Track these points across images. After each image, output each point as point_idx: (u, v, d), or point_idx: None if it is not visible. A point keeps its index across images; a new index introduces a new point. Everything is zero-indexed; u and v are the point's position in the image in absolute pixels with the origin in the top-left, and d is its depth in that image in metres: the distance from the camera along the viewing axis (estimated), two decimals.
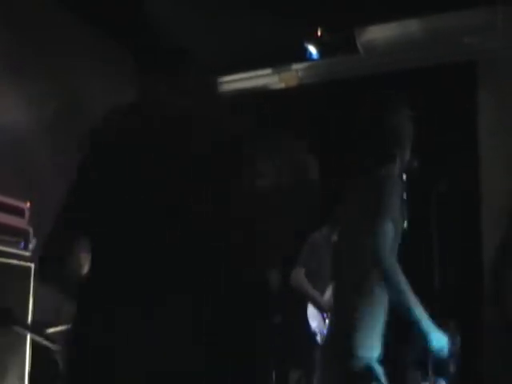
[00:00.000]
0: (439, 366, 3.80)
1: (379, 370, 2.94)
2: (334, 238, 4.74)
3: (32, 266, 4.31)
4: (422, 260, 4.46)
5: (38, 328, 4.08)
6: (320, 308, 5.19)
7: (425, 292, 4.21)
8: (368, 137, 3.45)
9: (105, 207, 1.90)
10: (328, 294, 5.16)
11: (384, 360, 3.00)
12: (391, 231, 2.99)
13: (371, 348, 2.98)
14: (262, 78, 7.01)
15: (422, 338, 2.87)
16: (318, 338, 5.13)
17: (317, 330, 5.16)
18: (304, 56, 6.69)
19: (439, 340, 2.88)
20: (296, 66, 6.90)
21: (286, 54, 6.73)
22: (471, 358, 5.17)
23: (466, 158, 5.83)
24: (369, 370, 2.95)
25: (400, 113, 3.38)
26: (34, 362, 3.95)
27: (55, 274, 2.01)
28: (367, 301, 3.03)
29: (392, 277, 2.92)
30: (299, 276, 5.25)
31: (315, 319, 5.21)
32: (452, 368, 4.42)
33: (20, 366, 3.94)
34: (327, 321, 5.12)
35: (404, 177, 3.34)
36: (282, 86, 6.98)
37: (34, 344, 4.00)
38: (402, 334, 3.26)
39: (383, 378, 2.91)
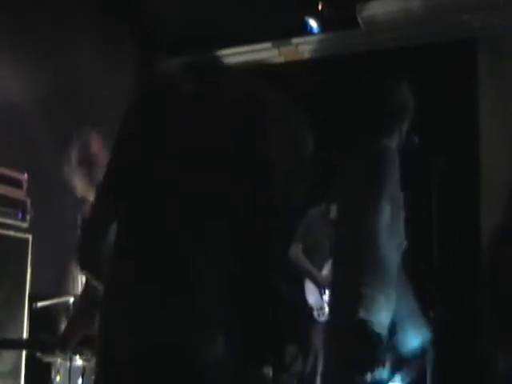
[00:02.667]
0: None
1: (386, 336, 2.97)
2: (333, 213, 4.78)
3: (30, 237, 4.32)
4: (421, 237, 4.45)
5: None
6: (318, 283, 5.21)
7: (422, 270, 4.25)
8: (367, 111, 3.46)
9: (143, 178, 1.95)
10: (326, 269, 5.17)
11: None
12: (388, 212, 3.01)
13: (378, 313, 2.99)
14: (262, 52, 6.95)
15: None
16: (315, 313, 5.16)
17: (314, 305, 5.18)
18: (304, 30, 6.65)
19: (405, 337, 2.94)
20: (296, 40, 6.85)
21: (287, 27, 6.68)
22: (468, 341, 5.20)
23: (466, 134, 5.83)
24: (376, 335, 2.97)
25: (399, 88, 3.38)
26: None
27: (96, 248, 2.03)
28: (371, 275, 3.04)
29: (385, 256, 2.95)
30: (297, 252, 5.26)
31: (313, 295, 5.23)
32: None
33: (18, 337, 3.96)
34: (325, 296, 5.14)
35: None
36: (282, 60, 6.93)
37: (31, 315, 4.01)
38: None
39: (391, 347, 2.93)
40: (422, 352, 3.45)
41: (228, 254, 1.87)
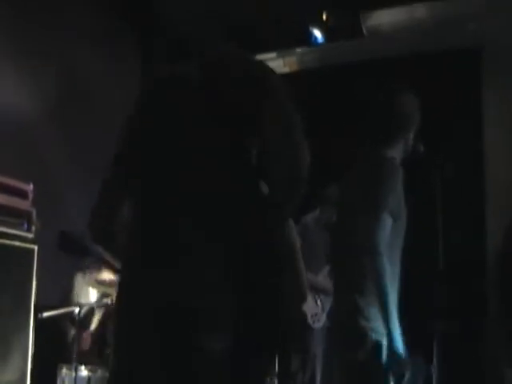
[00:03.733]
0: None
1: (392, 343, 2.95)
2: (332, 220, 4.80)
3: (35, 247, 4.31)
4: (426, 246, 4.44)
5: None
6: (313, 289, 5.17)
7: (427, 278, 4.24)
8: (371, 120, 3.45)
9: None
10: (321, 275, 5.16)
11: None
12: (388, 225, 3.00)
13: (377, 321, 2.98)
14: (267, 62, 6.95)
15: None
16: (310, 320, 5.11)
17: (308, 312, 5.12)
18: (309, 40, 6.66)
19: (398, 342, 2.90)
20: (301, 50, 6.86)
21: (291, 37, 6.70)
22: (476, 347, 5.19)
23: (471, 143, 5.82)
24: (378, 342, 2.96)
25: (404, 97, 3.37)
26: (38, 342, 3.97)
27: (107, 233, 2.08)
28: (369, 284, 3.03)
29: (378, 269, 2.94)
30: None
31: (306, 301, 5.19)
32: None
33: (23, 347, 3.96)
34: (319, 302, 5.13)
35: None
36: (287, 70, 6.94)
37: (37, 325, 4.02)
38: None
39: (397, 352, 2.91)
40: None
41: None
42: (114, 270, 4.75)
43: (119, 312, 2.03)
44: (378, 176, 3.12)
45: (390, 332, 2.92)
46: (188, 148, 1.98)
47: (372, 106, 3.51)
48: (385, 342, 2.95)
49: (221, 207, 1.94)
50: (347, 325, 3.07)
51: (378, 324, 2.99)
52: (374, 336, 2.97)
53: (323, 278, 5.15)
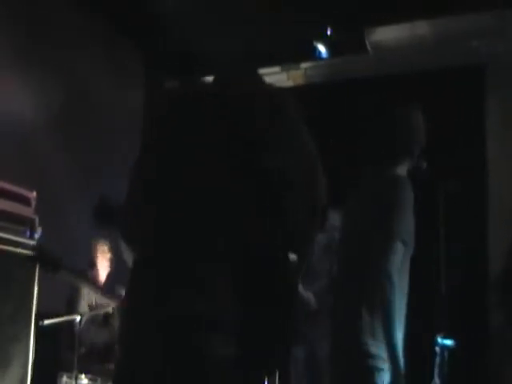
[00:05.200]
0: None
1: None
2: (338, 244, 4.79)
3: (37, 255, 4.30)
4: (428, 260, 4.44)
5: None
6: (305, 305, 5.18)
7: (430, 294, 4.23)
8: (377, 136, 3.44)
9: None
10: (311, 291, 5.19)
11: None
12: (401, 253, 2.98)
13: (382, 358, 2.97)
14: (271, 76, 6.98)
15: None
16: None
17: None
18: (313, 55, 6.68)
19: (399, 376, 2.88)
20: (305, 65, 6.89)
21: (295, 52, 6.73)
22: (477, 362, 5.17)
23: (474, 159, 5.83)
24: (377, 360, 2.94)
25: (409, 113, 3.37)
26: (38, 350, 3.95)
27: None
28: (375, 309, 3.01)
29: (388, 298, 2.91)
30: None
31: None
32: None
33: (23, 355, 3.93)
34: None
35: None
36: (291, 84, 6.97)
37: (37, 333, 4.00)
38: None
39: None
40: None
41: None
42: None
43: (125, 314, 2.03)
44: (393, 198, 3.07)
45: (393, 361, 2.90)
46: (201, 165, 1.99)
47: (375, 122, 3.51)
48: (386, 369, 2.94)
49: (230, 224, 1.94)
50: (348, 348, 3.05)
51: (380, 350, 2.97)
52: (374, 363, 2.96)
53: (311, 295, 5.21)
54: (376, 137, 3.46)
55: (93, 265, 5.22)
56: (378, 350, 2.95)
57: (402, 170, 3.24)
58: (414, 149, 3.30)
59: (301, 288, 5.20)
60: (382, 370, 2.94)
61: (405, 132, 3.29)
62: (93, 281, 5.07)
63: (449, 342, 4.10)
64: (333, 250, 5.33)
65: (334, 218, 5.00)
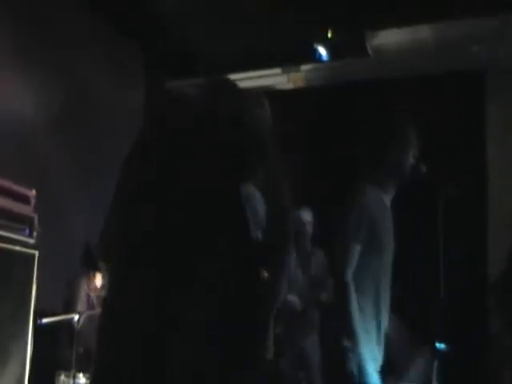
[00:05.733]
0: None
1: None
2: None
3: (36, 253, 4.30)
4: (428, 264, 4.45)
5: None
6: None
7: (428, 297, 4.23)
8: (369, 140, 3.45)
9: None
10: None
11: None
12: (357, 253, 3.04)
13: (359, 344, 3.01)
14: (271, 78, 7.00)
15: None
16: None
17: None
18: (313, 57, 6.68)
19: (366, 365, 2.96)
20: (305, 67, 6.90)
21: (296, 54, 6.73)
22: (475, 367, 5.17)
23: (473, 163, 5.84)
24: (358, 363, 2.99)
25: (401, 118, 3.38)
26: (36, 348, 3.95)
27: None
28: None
29: (344, 295, 2.98)
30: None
31: None
32: None
33: (22, 353, 3.93)
34: None
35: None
36: (291, 86, 6.97)
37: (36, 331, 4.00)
38: None
39: None
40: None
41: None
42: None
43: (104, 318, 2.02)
44: (348, 202, 3.18)
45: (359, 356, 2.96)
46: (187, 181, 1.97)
47: (372, 125, 3.52)
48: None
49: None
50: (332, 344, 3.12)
51: (360, 348, 3.02)
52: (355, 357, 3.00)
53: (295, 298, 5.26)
54: (368, 140, 3.48)
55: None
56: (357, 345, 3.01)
57: (382, 175, 3.26)
58: (404, 153, 3.31)
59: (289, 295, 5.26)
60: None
61: (389, 137, 3.31)
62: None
63: (447, 346, 4.10)
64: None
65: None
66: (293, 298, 5.27)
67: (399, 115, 3.39)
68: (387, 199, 3.31)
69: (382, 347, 3.13)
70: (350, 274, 3.03)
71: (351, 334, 2.98)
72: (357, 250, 3.06)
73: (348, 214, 3.14)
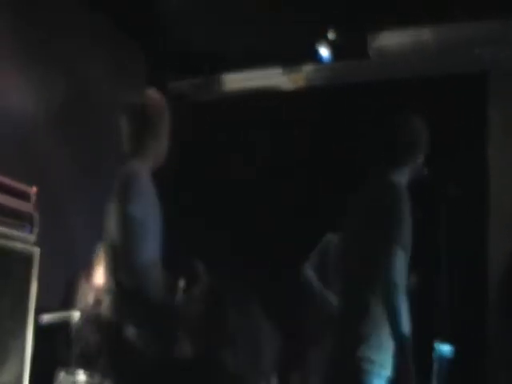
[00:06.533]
0: None
1: None
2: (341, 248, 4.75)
3: (36, 250, 4.30)
4: (429, 265, 4.44)
5: None
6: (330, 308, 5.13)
7: (429, 299, 4.23)
8: (379, 143, 3.44)
9: None
10: None
11: None
12: (402, 258, 2.99)
13: (380, 365, 2.97)
14: (272, 78, 6.99)
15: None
16: None
17: None
18: (315, 58, 6.68)
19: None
20: (306, 68, 6.89)
21: (297, 54, 6.73)
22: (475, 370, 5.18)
23: (475, 165, 5.84)
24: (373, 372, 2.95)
25: (410, 120, 3.37)
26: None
27: None
28: (375, 319, 3.02)
29: (396, 301, 2.92)
30: (310, 273, 5.18)
31: None
32: None
33: (22, 350, 3.93)
34: None
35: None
36: (292, 86, 6.97)
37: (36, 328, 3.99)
38: None
39: None
40: None
41: None
42: None
43: None
44: (392, 204, 3.08)
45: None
46: None
47: (376, 127, 3.51)
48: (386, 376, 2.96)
49: None
50: (347, 355, 3.06)
51: (378, 356, 2.98)
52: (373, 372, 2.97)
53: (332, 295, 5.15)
54: (377, 144, 3.46)
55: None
56: (371, 353, 2.95)
57: (403, 176, 3.24)
58: (417, 157, 3.30)
59: (322, 288, 5.15)
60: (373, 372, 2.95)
61: (406, 139, 3.29)
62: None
63: (447, 348, 4.10)
64: None
65: None
66: (331, 295, 5.13)
67: (415, 118, 3.38)
68: None
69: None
70: (400, 278, 2.98)
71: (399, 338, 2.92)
72: (401, 253, 3.01)
73: (389, 218, 3.06)
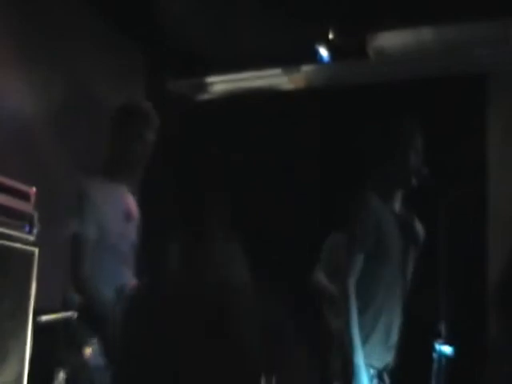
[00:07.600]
0: None
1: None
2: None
3: (36, 250, 4.29)
4: (428, 271, 4.44)
5: None
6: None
7: (428, 300, 4.22)
8: (371, 143, 3.45)
9: None
10: None
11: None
12: (360, 262, 3.04)
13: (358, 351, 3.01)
14: (271, 78, 7.00)
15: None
16: None
17: None
18: (314, 58, 6.69)
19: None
20: (306, 68, 6.90)
21: (297, 55, 6.73)
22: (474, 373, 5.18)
23: (474, 167, 5.85)
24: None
25: (404, 122, 3.37)
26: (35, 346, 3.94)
27: None
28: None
29: (344, 299, 2.97)
30: (320, 276, 5.19)
31: None
32: None
33: (21, 350, 3.92)
34: None
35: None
36: (291, 87, 6.97)
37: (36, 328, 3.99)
38: None
39: None
40: None
41: None
42: None
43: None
44: (350, 211, 3.18)
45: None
46: None
47: (373, 128, 3.52)
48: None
49: None
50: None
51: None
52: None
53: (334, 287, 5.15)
54: (370, 142, 3.47)
55: None
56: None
57: (382, 183, 3.26)
58: (407, 155, 3.31)
59: (325, 280, 5.15)
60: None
61: (396, 139, 3.30)
62: None
63: (447, 349, 4.09)
64: None
65: None
66: (333, 287, 5.12)
67: (406, 122, 3.38)
68: (391, 206, 3.30)
69: (389, 359, 3.12)
70: (352, 283, 3.03)
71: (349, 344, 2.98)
72: (360, 259, 3.06)
73: (351, 223, 3.13)
